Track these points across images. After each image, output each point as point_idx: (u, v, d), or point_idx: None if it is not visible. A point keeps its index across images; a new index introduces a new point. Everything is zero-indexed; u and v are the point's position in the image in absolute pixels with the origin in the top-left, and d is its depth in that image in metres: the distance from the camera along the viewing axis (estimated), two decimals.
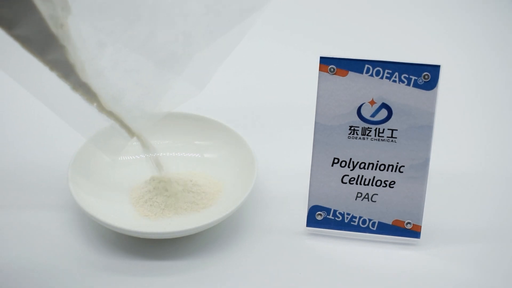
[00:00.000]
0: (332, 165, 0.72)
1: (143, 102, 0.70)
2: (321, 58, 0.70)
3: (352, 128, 0.71)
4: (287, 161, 0.84)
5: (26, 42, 0.64)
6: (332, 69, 0.70)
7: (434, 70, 0.69)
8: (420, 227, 0.73)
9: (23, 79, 0.66)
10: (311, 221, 0.74)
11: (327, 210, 0.74)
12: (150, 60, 0.68)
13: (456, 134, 0.90)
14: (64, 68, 0.66)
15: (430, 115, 0.70)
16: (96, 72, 0.67)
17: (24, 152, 0.85)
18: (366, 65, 0.70)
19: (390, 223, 0.73)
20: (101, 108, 0.69)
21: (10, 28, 0.63)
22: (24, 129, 0.89)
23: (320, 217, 0.74)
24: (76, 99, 0.68)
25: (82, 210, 0.71)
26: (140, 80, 0.69)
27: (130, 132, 0.72)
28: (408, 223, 0.73)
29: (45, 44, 0.64)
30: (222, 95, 0.95)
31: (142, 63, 0.68)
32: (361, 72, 0.70)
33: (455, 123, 0.91)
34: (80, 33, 0.65)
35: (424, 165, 0.71)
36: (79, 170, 0.76)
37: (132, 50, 0.67)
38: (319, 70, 0.70)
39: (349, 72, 0.70)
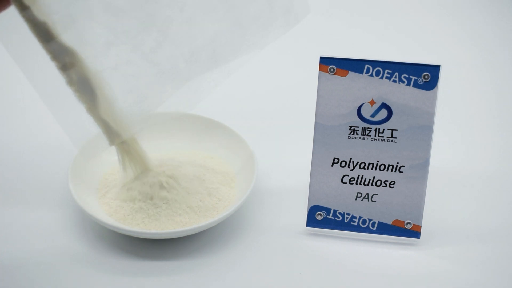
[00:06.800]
0: (332, 165, 0.72)
1: (134, 110, 0.70)
2: (321, 58, 0.70)
3: (352, 128, 0.71)
4: (287, 161, 0.84)
5: (35, 26, 0.64)
6: (332, 69, 0.70)
7: (434, 70, 0.69)
8: (420, 227, 0.73)
9: (25, 64, 0.66)
10: (311, 221, 0.74)
11: (327, 210, 0.74)
12: (151, 69, 0.68)
13: (456, 134, 0.90)
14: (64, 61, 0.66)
15: (430, 115, 0.70)
16: (96, 69, 0.67)
17: (24, 151, 0.85)
18: (366, 65, 0.70)
19: (390, 223, 0.73)
20: (90, 109, 0.69)
21: (23, 9, 0.63)
22: (24, 128, 0.88)
23: (320, 217, 0.74)
24: (68, 96, 0.68)
25: (82, 210, 0.71)
26: (136, 87, 0.69)
27: (111, 140, 0.71)
28: (408, 223, 0.73)
29: (52, 32, 0.64)
30: (222, 95, 0.95)
31: (143, 70, 0.68)
32: (361, 72, 0.70)
33: (455, 123, 0.91)
34: (90, 29, 0.65)
35: (424, 165, 0.71)
36: (79, 169, 0.75)
37: (138, 55, 0.67)
38: (319, 70, 0.70)
39: (349, 72, 0.70)
